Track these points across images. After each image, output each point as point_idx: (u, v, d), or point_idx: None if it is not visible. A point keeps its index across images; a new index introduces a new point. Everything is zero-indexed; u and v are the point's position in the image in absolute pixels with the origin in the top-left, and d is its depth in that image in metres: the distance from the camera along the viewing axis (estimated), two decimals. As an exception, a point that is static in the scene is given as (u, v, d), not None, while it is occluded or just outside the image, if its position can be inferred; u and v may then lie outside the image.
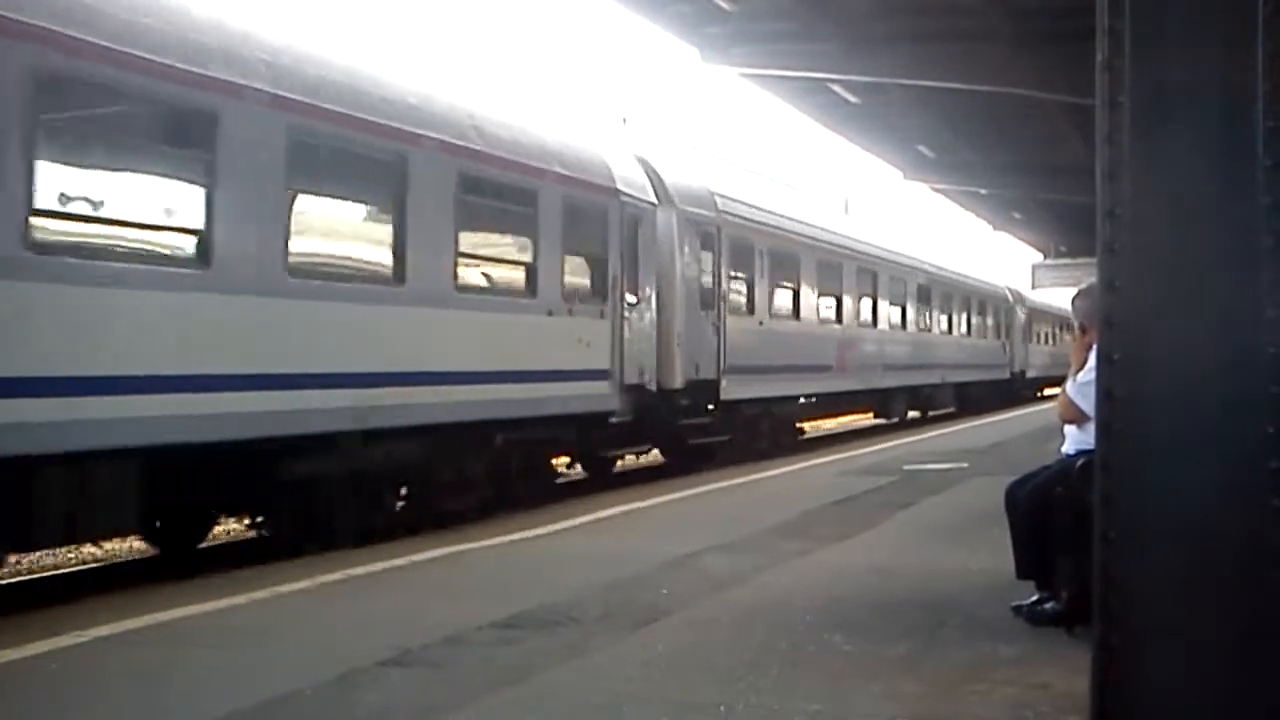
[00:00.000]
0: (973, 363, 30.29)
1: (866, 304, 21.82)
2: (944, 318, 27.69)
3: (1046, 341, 42.43)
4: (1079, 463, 5.29)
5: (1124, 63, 3.15)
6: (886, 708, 4.25)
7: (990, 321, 32.69)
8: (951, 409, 28.34)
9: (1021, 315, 37.25)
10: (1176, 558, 3.12)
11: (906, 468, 13.61)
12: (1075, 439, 5.64)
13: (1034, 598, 5.60)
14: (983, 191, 31.82)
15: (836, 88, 20.51)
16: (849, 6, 16.21)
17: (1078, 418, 5.53)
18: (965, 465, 13.79)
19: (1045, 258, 41.75)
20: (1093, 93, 3.21)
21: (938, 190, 32.86)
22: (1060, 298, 40.41)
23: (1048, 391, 43.15)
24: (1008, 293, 36.00)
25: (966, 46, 17.11)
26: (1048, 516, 5.47)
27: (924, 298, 25.72)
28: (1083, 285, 6.18)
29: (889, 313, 23.16)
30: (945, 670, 4.76)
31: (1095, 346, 3.60)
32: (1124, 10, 3.15)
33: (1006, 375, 34.30)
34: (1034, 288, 39.60)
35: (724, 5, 16.44)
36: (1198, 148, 3.13)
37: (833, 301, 20.08)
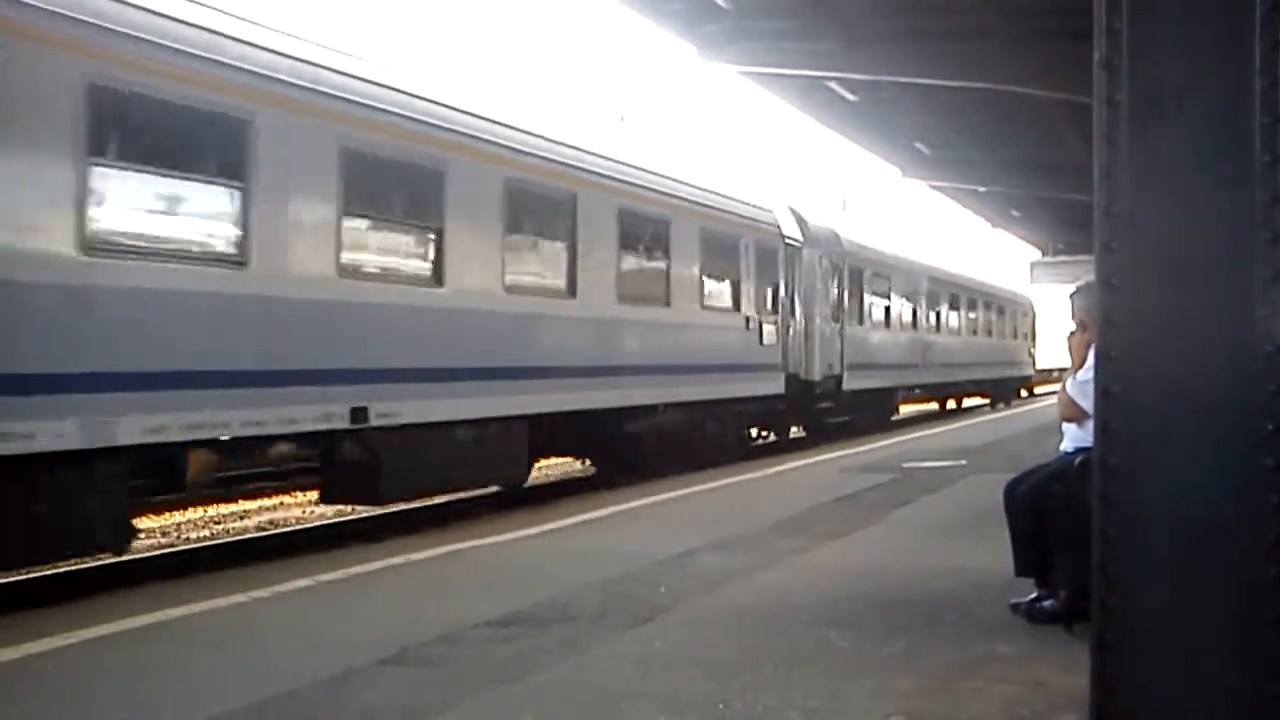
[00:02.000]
0: (628, 362, 13.71)
1: None
2: (496, 257, 11.10)
3: (916, 325, 25.54)
4: (1077, 460, 5.30)
5: (1121, 61, 3.16)
6: (883, 705, 4.25)
7: (717, 276, 16.10)
8: (493, 484, 12.14)
9: (826, 271, 20.06)
10: (1175, 555, 3.12)
11: (905, 465, 13.62)
12: (1074, 436, 5.64)
13: (1032, 595, 5.60)
14: (981, 189, 31.74)
15: (834, 85, 20.46)
16: (847, 4, 16.19)
17: (1077, 415, 5.53)
18: (963, 463, 13.80)
19: (1044, 255, 41.71)
20: (1091, 91, 3.21)
21: (936, 188, 32.79)
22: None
23: (960, 405, 30.49)
24: (784, 226, 18.56)
25: (965, 44, 17.08)
26: (1046, 514, 5.48)
27: (362, 190, 9.43)
28: (1081, 282, 6.18)
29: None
30: (942, 668, 4.76)
31: (1094, 344, 3.60)
32: (1121, 8, 3.15)
33: (777, 387, 17.70)
34: (1032, 283, 39.39)
35: (721, 3, 16.41)
36: (1195, 145, 3.13)
37: None
